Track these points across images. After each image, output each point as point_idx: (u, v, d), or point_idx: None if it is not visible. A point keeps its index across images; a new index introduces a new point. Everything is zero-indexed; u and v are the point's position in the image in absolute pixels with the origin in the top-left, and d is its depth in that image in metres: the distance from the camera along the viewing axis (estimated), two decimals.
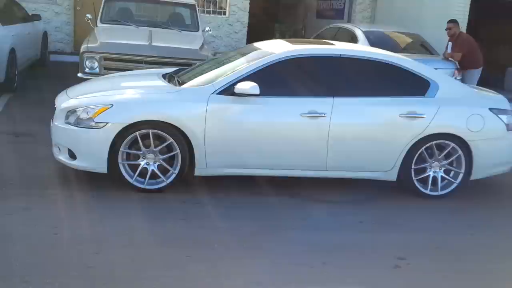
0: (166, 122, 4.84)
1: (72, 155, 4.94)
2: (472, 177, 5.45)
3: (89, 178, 5.03)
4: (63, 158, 5.02)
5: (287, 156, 5.10)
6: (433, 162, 5.37)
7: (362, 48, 5.88)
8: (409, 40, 9.96)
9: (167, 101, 4.90)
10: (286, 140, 5.06)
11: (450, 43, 8.95)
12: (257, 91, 4.81)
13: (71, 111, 4.92)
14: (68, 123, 4.91)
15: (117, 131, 4.77)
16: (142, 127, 4.82)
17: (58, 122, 4.99)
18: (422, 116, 5.19)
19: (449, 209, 5.16)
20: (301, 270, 3.69)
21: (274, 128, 5.04)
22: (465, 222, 4.88)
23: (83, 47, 7.88)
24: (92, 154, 4.86)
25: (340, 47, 5.57)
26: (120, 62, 7.86)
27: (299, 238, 4.23)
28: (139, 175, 4.90)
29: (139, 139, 4.85)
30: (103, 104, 4.83)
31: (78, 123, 4.85)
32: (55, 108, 5.25)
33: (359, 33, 9.69)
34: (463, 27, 10.32)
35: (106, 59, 7.85)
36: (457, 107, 5.34)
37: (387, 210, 5.00)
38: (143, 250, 3.82)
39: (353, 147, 5.16)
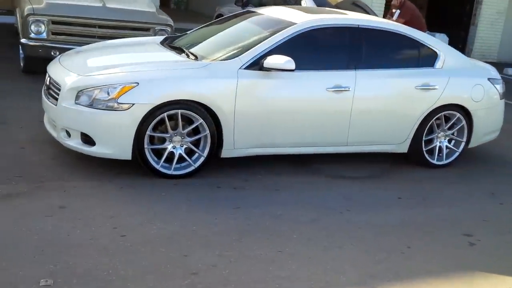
0: (196, 102, 4.41)
1: (88, 141, 4.35)
2: (469, 146, 5.70)
3: (97, 165, 4.50)
4: (75, 144, 4.40)
5: (312, 132, 4.94)
6: (439, 133, 5.52)
7: (375, 19, 5.78)
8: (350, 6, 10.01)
9: (196, 78, 4.45)
10: (312, 116, 4.89)
11: (397, 11, 9.15)
12: (293, 66, 4.54)
13: (83, 91, 4.29)
14: (80, 104, 4.29)
15: (144, 113, 4.26)
16: (170, 108, 4.35)
17: (66, 103, 4.34)
18: (435, 87, 5.28)
19: (461, 177, 5.36)
20: (396, 258, 3.59)
21: (301, 104, 4.83)
22: (488, 190, 5.10)
23: (27, 9, 6.93)
24: (114, 139, 4.30)
25: (356, 17, 5.42)
26: (71, 26, 7.05)
27: (358, 219, 4.13)
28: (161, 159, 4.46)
29: (166, 121, 4.38)
30: (126, 82, 4.27)
31: (95, 104, 4.25)
32: (49, 79, 4.56)
33: None
34: None
35: (54, 22, 7.01)
36: (463, 78, 5.50)
37: (413, 183, 5.06)
38: (226, 247, 3.49)
39: (373, 121, 5.13)
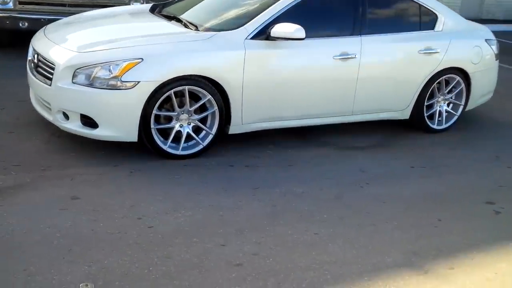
0: (203, 76, 4.14)
1: (89, 123, 4.03)
2: (466, 109, 5.68)
3: (96, 149, 4.21)
4: (74, 127, 4.07)
5: (319, 103, 4.77)
6: (439, 97, 5.46)
7: None
8: None
9: (203, 52, 4.16)
10: (319, 85, 4.71)
11: None
12: (303, 35, 4.31)
13: (82, 69, 3.94)
14: (78, 83, 3.94)
15: (150, 91, 3.96)
16: (177, 84, 4.06)
17: (62, 83, 3.98)
18: (437, 51, 5.18)
19: (463, 142, 5.33)
20: (431, 232, 3.49)
21: (309, 74, 4.63)
22: (492, 154, 5.09)
23: None
24: (119, 121, 4.00)
25: None
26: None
27: (380, 193, 4.03)
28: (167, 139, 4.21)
29: (173, 98, 4.10)
30: (130, 58, 3.94)
31: (95, 83, 3.92)
32: (36, 56, 4.19)
33: None
34: None
35: None
36: (463, 40, 5.42)
37: (420, 151, 4.99)
38: (260, 233, 3.31)
39: (378, 88, 5.00)
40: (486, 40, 5.61)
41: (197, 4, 5.16)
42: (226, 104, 4.31)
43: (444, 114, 5.53)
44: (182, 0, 5.37)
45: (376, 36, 4.92)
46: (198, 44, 4.18)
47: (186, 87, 4.11)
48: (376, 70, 4.94)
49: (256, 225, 3.38)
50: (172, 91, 4.06)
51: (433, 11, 5.31)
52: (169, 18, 4.77)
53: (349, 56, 4.72)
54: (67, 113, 4.06)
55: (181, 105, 4.18)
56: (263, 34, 4.36)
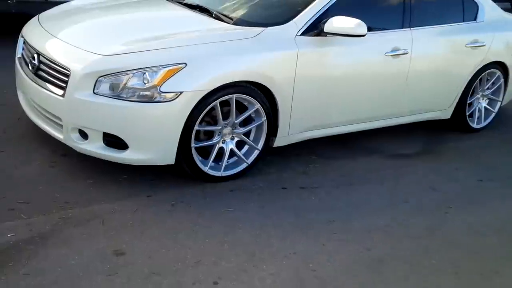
0: (253, 82, 3.39)
1: (115, 144, 3.19)
2: (502, 105, 5.23)
3: (112, 169, 3.42)
4: (95, 148, 3.22)
5: (369, 105, 4.15)
6: (479, 94, 4.97)
7: None
8: None
9: (252, 53, 3.39)
10: (370, 86, 4.07)
11: None
12: (365, 31, 3.63)
13: (107, 76, 3.08)
14: (101, 94, 3.09)
15: (195, 103, 3.17)
16: (224, 93, 3.29)
17: (80, 94, 3.11)
18: (483, 44, 4.66)
19: (507, 142, 4.88)
20: None
21: (360, 74, 3.98)
22: None
23: None
24: (155, 140, 3.19)
25: None
26: None
27: (469, 221, 3.48)
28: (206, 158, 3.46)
29: (218, 109, 3.33)
30: (171, 63, 3.12)
31: (124, 94, 3.08)
32: (37, 56, 3.30)
33: None
34: None
35: None
36: (504, 32, 4.92)
37: (473, 157, 4.48)
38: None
39: (426, 85, 4.43)
40: None
41: None
42: (273, 113, 3.59)
43: (483, 112, 5.05)
44: None
45: (426, 29, 4.33)
46: (247, 43, 3.41)
47: (234, 96, 3.34)
48: (426, 67, 4.35)
49: (363, 282, 2.71)
50: (218, 101, 3.28)
51: (474, 0, 4.76)
52: (191, 6, 3.94)
53: (401, 52, 4.10)
54: (85, 131, 3.19)
55: (224, 117, 3.41)
56: (315, 29, 3.65)
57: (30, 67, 3.44)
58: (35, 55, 3.40)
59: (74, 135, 3.22)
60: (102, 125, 3.14)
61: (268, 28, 3.53)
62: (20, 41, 3.75)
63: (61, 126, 3.27)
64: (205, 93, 3.18)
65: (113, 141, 3.19)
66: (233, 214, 3.17)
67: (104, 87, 3.10)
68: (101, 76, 3.09)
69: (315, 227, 3.14)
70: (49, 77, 3.29)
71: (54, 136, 3.34)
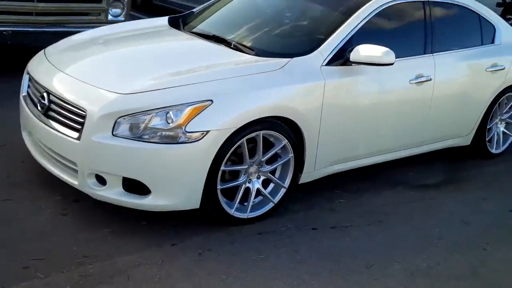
0: (280, 117, 3.18)
1: (135, 189, 2.94)
2: None
3: (129, 215, 3.17)
4: (114, 195, 2.96)
5: (394, 134, 3.97)
6: (498, 118, 4.83)
7: None
8: None
9: (278, 86, 3.19)
10: (395, 115, 3.90)
11: None
12: (393, 59, 3.45)
13: (128, 116, 2.85)
14: (120, 135, 2.85)
15: (221, 142, 2.95)
16: (251, 130, 3.07)
17: (98, 137, 2.86)
18: (502, 68, 4.52)
19: None
20: None
21: (386, 103, 3.81)
22: None
23: None
24: (180, 184, 2.94)
25: None
26: (2, 1, 5.21)
27: (509, 258, 3.29)
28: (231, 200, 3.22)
29: (245, 147, 3.10)
30: (196, 101, 2.89)
31: (146, 135, 2.85)
32: (47, 95, 3.06)
33: None
34: None
35: None
36: None
37: (497, 185, 4.33)
38: None
39: (449, 112, 4.28)
40: None
41: (227, 17, 4.17)
42: (301, 148, 3.38)
43: (501, 136, 4.90)
44: (202, 12, 4.32)
45: (447, 55, 4.18)
46: (273, 76, 3.20)
47: (261, 132, 3.12)
48: (449, 93, 4.20)
49: None
50: (244, 138, 3.06)
51: (491, 22, 4.63)
52: (206, 36, 3.72)
53: (425, 79, 3.94)
54: (103, 176, 2.94)
55: (249, 155, 3.19)
56: (340, 58, 3.47)
57: (39, 107, 3.18)
58: (45, 94, 3.15)
59: (90, 181, 2.96)
60: (122, 169, 2.89)
61: (293, 59, 3.33)
62: (26, 78, 3.50)
63: (75, 171, 3.01)
64: (233, 131, 2.96)
65: (134, 186, 2.93)
66: (266, 262, 2.92)
67: (124, 128, 2.86)
68: (121, 117, 2.85)
69: (355, 273, 2.92)
70: (61, 118, 3.04)
71: (67, 181, 3.08)
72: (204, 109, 2.89)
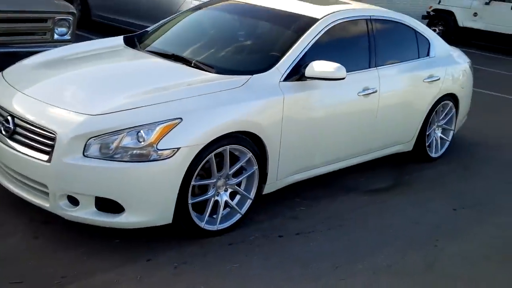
0: (245, 131, 3.35)
1: (107, 208, 3.00)
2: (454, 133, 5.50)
3: (100, 234, 3.23)
4: (87, 214, 3.02)
5: (347, 143, 4.22)
6: (435, 125, 5.21)
7: (378, 8, 5.02)
8: None
9: (242, 102, 3.36)
10: (347, 125, 4.16)
11: None
12: (345, 74, 3.70)
13: (98, 138, 2.92)
14: (91, 156, 2.92)
15: (191, 158, 3.07)
16: (219, 145, 3.22)
17: (69, 158, 2.92)
18: (438, 78, 4.90)
19: (469, 169, 5.12)
20: None
21: (337, 114, 4.05)
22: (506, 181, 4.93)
23: None
24: (153, 200, 3.04)
25: (363, 7, 4.67)
26: None
27: (456, 250, 3.60)
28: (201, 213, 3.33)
29: (213, 162, 3.24)
30: (167, 119, 3.00)
31: (118, 154, 2.93)
32: (11, 119, 3.10)
33: None
34: None
35: None
36: (454, 66, 5.22)
37: (442, 186, 4.66)
38: None
39: (394, 121, 4.59)
40: (468, 63, 5.47)
41: (181, 35, 4.31)
42: (264, 161, 3.55)
43: (439, 141, 5.28)
44: (156, 31, 4.43)
45: (389, 68, 4.50)
46: (236, 93, 3.36)
47: (228, 147, 3.27)
48: (392, 103, 4.51)
49: None
50: (213, 153, 3.19)
51: (426, 36, 5.01)
52: (164, 56, 3.84)
53: (371, 91, 4.22)
54: (76, 197, 2.98)
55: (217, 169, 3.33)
56: (296, 74, 3.69)
57: (3, 131, 3.18)
58: (9, 118, 3.15)
59: (62, 202, 3.00)
60: (95, 189, 2.95)
61: (254, 76, 3.51)
62: None
63: (45, 193, 3.04)
64: (202, 147, 3.09)
65: (106, 205, 3.00)
66: (241, 270, 3.06)
67: (95, 149, 2.93)
68: (91, 138, 2.91)
69: (324, 275, 3.11)
70: (29, 141, 3.06)
71: (37, 204, 3.10)
72: (174, 127, 3.00)
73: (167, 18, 4.63)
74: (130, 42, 4.15)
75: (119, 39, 4.24)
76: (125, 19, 8.83)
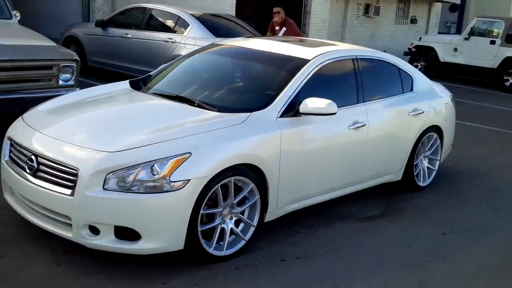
0: (248, 164, 3.67)
1: (127, 236, 3.29)
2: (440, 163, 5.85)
3: (117, 261, 3.52)
4: (107, 242, 3.30)
5: (340, 174, 4.55)
6: (422, 155, 5.55)
7: (362, 48, 5.44)
8: (231, 23, 9.65)
9: (244, 137, 3.69)
10: (339, 157, 4.49)
11: (283, 28, 8.99)
12: (336, 109, 4.06)
13: (116, 172, 3.23)
14: (110, 189, 3.23)
15: (200, 189, 3.39)
16: (224, 177, 3.54)
17: (91, 192, 3.22)
18: (422, 112, 5.28)
19: (456, 197, 5.45)
20: None
21: (331, 147, 4.39)
22: (492, 207, 5.27)
23: None
24: (167, 228, 3.34)
25: (349, 48, 5.10)
26: None
27: (447, 271, 3.89)
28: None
29: (219, 193, 3.55)
30: (177, 154, 3.33)
31: (134, 187, 3.24)
32: (35, 158, 3.40)
33: (186, 16, 8.86)
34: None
35: None
36: (436, 99, 5.60)
37: (429, 214, 4.97)
38: None
39: (383, 151, 4.93)
40: (449, 97, 5.87)
41: (182, 78, 4.69)
42: (265, 191, 3.87)
43: (426, 171, 5.62)
44: (158, 75, 4.80)
45: (376, 103, 4.87)
46: (238, 129, 3.71)
47: (232, 178, 3.59)
48: (381, 135, 4.87)
49: None
50: (219, 184, 3.51)
51: (409, 73, 5.42)
52: (169, 97, 4.19)
53: (360, 125, 4.58)
54: (97, 226, 3.27)
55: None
56: (291, 110, 4.04)
57: (27, 169, 3.48)
58: (33, 157, 3.46)
59: (84, 232, 3.29)
60: (115, 219, 3.25)
61: (253, 113, 3.86)
62: (7, 144, 3.78)
63: (68, 224, 3.32)
64: (209, 178, 3.40)
65: (125, 233, 3.28)
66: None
67: (113, 182, 3.24)
68: (110, 172, 3.22)
69: None
70: (52, 178, 3.36)
71: (61, 235, 3.38)
72: (185, 160, 3.32)
73: (168, 63, 5.00)
74: (136, 86, 4.51)
75: (125, 83, 4.60)
76: (119, 63, 9.24)
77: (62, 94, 5.54)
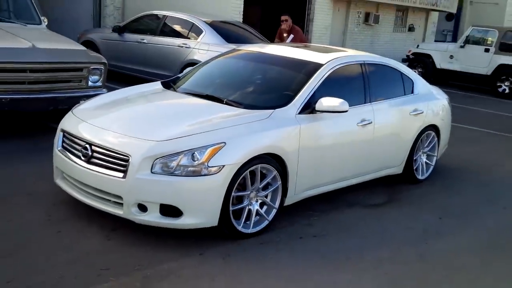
0: (272, 154, 4.23)
1: (170, 213, 3.85)
2: (437, 158, 6.43)
3: (158, 237, 4.07)
4: (153, 218, 3.86)
5: (350, 165, 5.11)
6: (421, 151, 6.12)
7: (369, 54, 6.02)
8: (241, 29, 10.22)
9: (269, 130, 4.25)
10: (350, 150, 5.05)
11: (291, 35, 9.57)
12: (347, 107, 4.63)
13: (162, 158, 3.79)
14: (157, 172, 3.79)
15: (233, 174, 3.95)
16: (252, 164, 4.10)
17: (141, 175, 3.78)
18: (422, 112, 5.85)
19: (448, 188, 6.03)
20: None
21: (342, 140, 4.96)
22: (484, 198, 5.85)
23: None
24: (204, 207, 3.89)
25: (358, 54, 5.68)
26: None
27: (444, 248, 4.45)
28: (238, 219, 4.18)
29: (248, 178, 4.11)
30: (214, 143, 3.89)
31: (177, 171, 3.80)
32: (89, 146, 3.96)
33: (200, 23, 9.43)
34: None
35: None
36: (435, 101, 6.18)
37: (428, 201, 5.54)
38: None
39: (386, 147, 5.49)
40: (446, 99, 6.45)
41: (209, 79, 5.25)
42: (285, 177, 4.42)
43: (425, 166, 6.19)
44: (186, 76, 5.37)
45: (381, 103, 5.43)
46: (264, 123, 4.27)
47: (259, 166, 4.14)
48: (385, 133, 5.42)
49: None
50: (247, 171, 4.07)
51: (410, 77, 6.00)
52: (201, 96, 4.76)
53: (367, 122, 5.14)
54: (145, 204, 3.83)
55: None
56: (308, 108, 4.60)
57: (82, 157, 4.03)
58: (88, 146, 4.01)
59: (134, 209, 3.84)
60: (161, 198, 3.80)
61: (276, 110, 4.43)
62: (60, 135, 4.32)
63: (119, 204, 3.87)
64: (240, 165, 3.96)
65: (168, 211, 3.84)
66: (276, 260, 3.89)
67: (160, 167, 3.79)
68: (157, 158, 3.78)
69: (338, 261, 3.96)
70: (106, 163, 3.91)
71: (112, 212, 3.93)
72: (220, 149, 3.88)
73: (194, 67, 5.56)
74: (167, 86, 5.07)
75: (157, 84, 5.17)
76: (135, 67, 9.80)
77: (91, 94, 6.16)
